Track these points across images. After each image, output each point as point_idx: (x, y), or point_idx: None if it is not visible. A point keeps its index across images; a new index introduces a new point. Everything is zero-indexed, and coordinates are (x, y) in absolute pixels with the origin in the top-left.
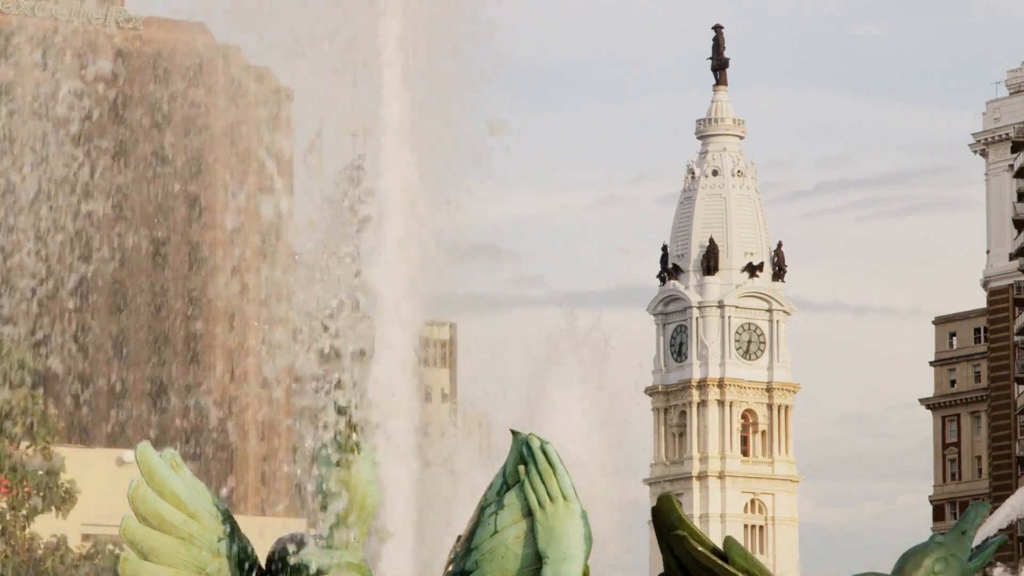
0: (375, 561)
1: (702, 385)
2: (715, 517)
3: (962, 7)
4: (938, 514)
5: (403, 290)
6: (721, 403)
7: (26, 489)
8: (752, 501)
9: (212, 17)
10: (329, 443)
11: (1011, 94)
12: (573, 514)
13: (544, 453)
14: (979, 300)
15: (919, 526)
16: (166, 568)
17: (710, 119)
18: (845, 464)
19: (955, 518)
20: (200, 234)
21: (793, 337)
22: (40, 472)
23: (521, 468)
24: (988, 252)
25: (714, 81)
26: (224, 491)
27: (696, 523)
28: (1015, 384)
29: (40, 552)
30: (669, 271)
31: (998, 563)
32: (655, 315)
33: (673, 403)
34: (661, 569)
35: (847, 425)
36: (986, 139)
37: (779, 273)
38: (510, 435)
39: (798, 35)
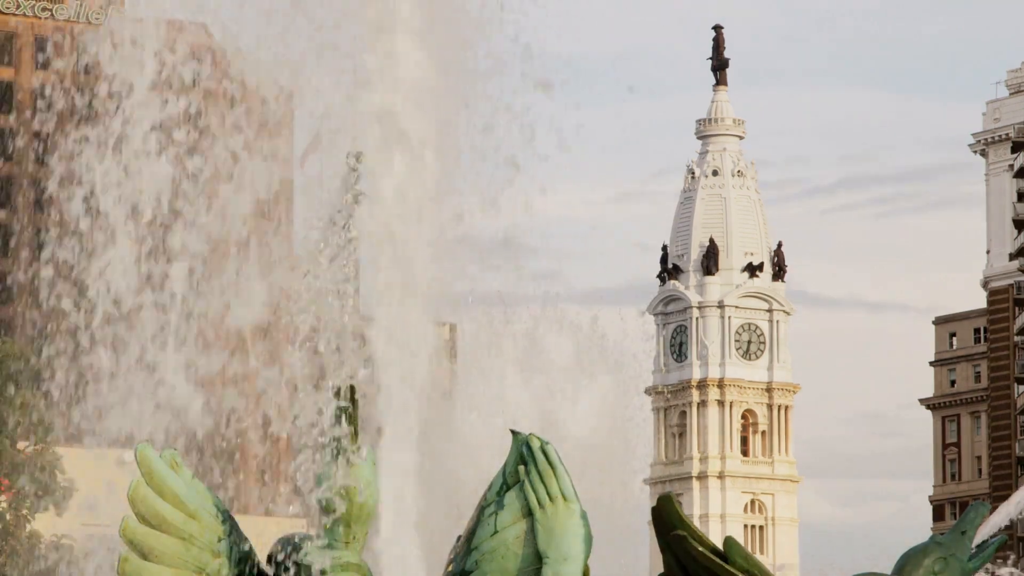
0: (375, 561)
1: (702, 385)
2: (715, 517)
3: (962, 7)
4: (938, 514)
5: (405, 289)
6: (721, 403)
7: (26, 489)
8: (752, 501)
9: (212, 17)
10: (330, 443)
11: (1011, 94)
12: (573, 514)
13: (544, 453)
14: (979, 300)
15: (919, 526)
16: (166, 568)
17: (710, 119)
18: (845, 464)
19: (955, 518)
20: None
21: (793, 337)
22: (40, 472)
23: (521, 468)
24: (988, 252)
25: (714, 81)
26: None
27: (696, 523)
28: (1015, 384)
29: (40, 552)
30: (669, 271)
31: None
32: (655, 315)
33: (673, 403)
34: (661, 569)
35: (847, 425)
36: (986, 139)
37: (779, 273)
38: (510, 435)
39: (797, 36)
